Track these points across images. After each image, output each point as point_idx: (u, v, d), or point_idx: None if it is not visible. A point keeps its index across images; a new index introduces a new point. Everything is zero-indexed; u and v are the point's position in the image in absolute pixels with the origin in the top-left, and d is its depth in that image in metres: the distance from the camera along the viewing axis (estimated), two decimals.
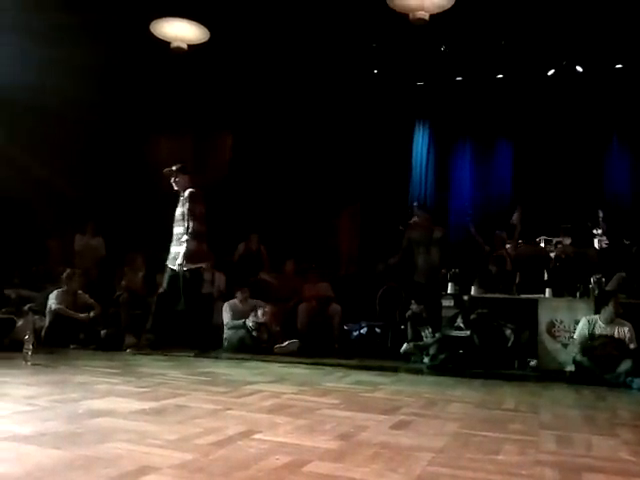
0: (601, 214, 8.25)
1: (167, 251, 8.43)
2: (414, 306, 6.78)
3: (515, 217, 7.86)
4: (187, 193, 5.90)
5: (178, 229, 5.94)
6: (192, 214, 5.85)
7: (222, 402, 3.16)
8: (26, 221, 8.14)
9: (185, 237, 5.86)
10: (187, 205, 5.85)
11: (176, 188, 6.06)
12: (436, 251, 7.36)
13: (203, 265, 6.12)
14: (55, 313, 6.50)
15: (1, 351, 5.48)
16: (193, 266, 5.85)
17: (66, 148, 8.36)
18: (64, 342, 6.26)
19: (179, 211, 5.97)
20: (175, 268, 5.85)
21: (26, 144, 7.67)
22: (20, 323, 6.19)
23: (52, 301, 6.54)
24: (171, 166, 6.16)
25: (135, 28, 7.29)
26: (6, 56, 6.98)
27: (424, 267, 7.31)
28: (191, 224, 5.85)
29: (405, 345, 6.56)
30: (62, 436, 2.22)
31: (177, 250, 5.90)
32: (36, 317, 6.51)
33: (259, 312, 6.90)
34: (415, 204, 9.32)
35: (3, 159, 7.46)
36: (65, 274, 6.69)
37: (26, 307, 6.74)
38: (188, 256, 5.81)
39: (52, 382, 3.71)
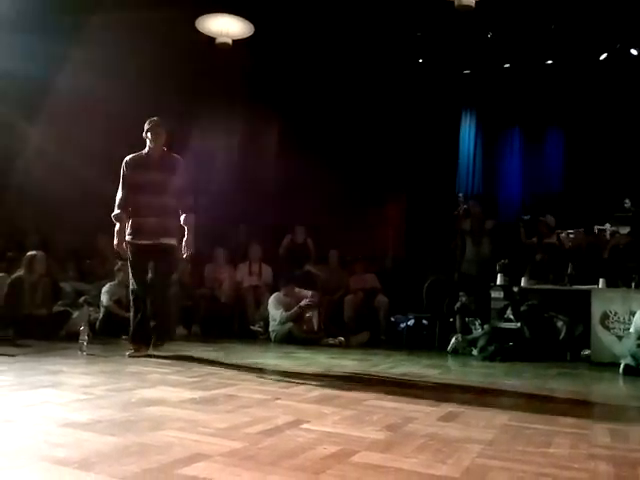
0: (628, 203, 7.99)
1: (217, 243, 8.40)
2: (463, 298, 6.71)
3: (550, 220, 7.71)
4: (182, 162, 4.96)
5: (166, 199, 4.81)
6: (191, 187, 5.02)
7: (270, 392, 3.19)
8: (79, 218, 8.39)
9: (183, 211, 4.88)
10: (185, 175, 4.93)
11: (157, 143, 4.86)
12: (487, 242, 7.24)
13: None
14: (106, 308, 6.69)
15: (58, 342, 5.67)
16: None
17: (114, 146, 8.56)
18: (117, 333, 6.44)
19: (163, 178, 4.82)
20: (170, 243, 4.82)
21: (74, 145, 7.87)
22: (75, 315, 6.39)
23: (104, 296, 6.72)
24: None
25: (181, 25, 7.39)
26: (52, 58, 7.14)
27: (473, 258, 7.21)
28: (192, 197, 4.98)
29: (453, 340, 6.49)
30: (117, 423, 2.29)
31: (170, 224, 4.83)
32: (91, 309, 6.71)
33: (307, 313, 7.01)
34: (460, 195, 9.22)
35: (53, 160, 7.71)
36: (117, 267, 6.86)
37: (81, 299, 6.96)
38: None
39: (106, 372, 3.83)
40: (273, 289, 7.63)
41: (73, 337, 5.18)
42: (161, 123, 4.90)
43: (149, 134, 4.88)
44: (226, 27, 7.14)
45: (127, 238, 4.85)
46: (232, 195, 9.29)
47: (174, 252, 4.93)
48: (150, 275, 4.83)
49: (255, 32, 7.31)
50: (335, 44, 8.33)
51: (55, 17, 6.78)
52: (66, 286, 7.22)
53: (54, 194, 7.80)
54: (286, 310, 6.98)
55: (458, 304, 6.73)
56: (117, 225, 4.89)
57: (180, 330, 7.10)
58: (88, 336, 4.83)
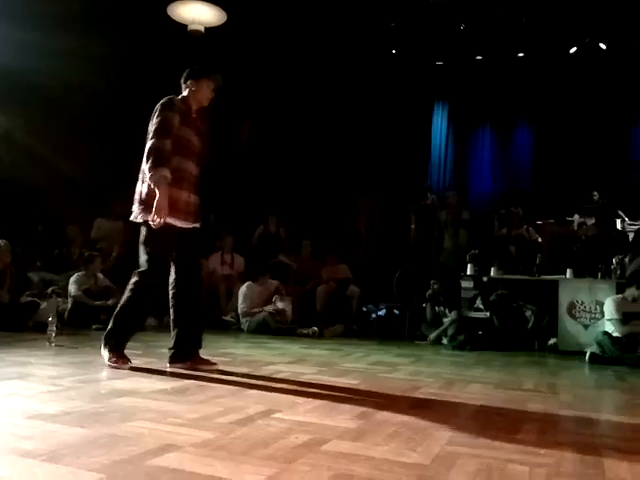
0: (597, 196, 8.17)
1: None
2: (435, 285, 6.77)
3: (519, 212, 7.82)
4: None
5: (198, 171, 3.67)
6: None
7: (242, 382, 3.19)
8: (46, 207, 8.25)
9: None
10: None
11: (201, 105, 3.68)
12: (464, 233, 7.32)
13: None
14: (74, 298, 6.59)
15: (25, 333, 5.57)
16: None
17: (84, 135, 8.42)
18: (86, 323, 6.35)
19: (200, 144, 3.63)
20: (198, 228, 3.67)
21: (44, 133, 7.72)
22: (43, 306, 6.28)
23: (72, 286, 6.62)
24: None
25: (152, 12, 7.28)
26: (22, 45, 6.99)
27: (451, 248, 7.28)
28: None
29: (432, 335, 6.54)
30: (86, 415, 2.26)
31: (198, 201, 3.67)
32: (59, 299, 6.61)
33: (278, 303, 6.98)
34: (426, 185, 9.28)
35: (22, 149, 7.55)
36: (85, 257, 6.77)
37: (49, 290, 6.84)
38: None
39: (75, 363, 3.77)
40: (245, 279, 7.61)
41: (41, 328, 5.10)
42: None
43: (203, 84, 3.59)
44: (198, 14, 7.05)
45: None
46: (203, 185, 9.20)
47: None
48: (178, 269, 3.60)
49: (225, 24, 7.25)
50: (308, 34, 8.29)
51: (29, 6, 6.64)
52: (34, 276, 7.09)
53: (22, 182, 7.65)
54: (257, 300, 6.99)
55: (429, 291, 6.79)
56: (158, 190, 3.29)
57: (151, 321, 7.03)
58: (56, 327, 4.76)
